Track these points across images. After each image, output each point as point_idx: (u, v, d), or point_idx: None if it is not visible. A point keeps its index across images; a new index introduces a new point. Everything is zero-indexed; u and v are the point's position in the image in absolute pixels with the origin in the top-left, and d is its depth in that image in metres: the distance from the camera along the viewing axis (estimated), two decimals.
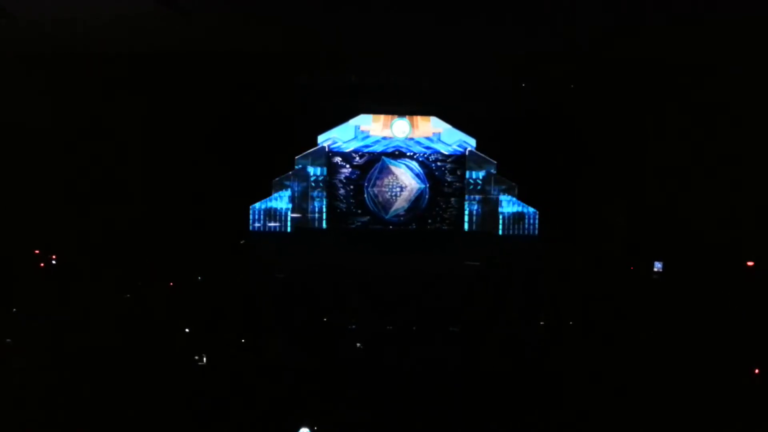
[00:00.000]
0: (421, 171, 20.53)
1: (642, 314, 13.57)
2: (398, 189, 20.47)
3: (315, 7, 13.67)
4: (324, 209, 20.33)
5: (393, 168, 20.50)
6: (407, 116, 20.64)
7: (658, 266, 13.78)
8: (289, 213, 19.70)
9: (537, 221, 20.20)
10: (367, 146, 20.61)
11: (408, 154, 20.56)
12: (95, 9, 13.58)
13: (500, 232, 20.15)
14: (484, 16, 14.37)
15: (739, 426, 8.54)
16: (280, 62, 18.78)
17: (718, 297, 13.96)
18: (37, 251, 17.40)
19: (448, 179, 20.62)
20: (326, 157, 20.42)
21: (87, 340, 11.23)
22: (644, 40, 16.10)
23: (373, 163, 20.53)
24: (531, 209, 20.11)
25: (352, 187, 20.55)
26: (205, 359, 10.46)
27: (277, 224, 19.73)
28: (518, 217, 20.12)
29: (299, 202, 20.30)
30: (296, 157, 20.74)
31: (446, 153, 20.66)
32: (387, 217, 20.54)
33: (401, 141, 20.67)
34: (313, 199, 20.61)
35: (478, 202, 20.81)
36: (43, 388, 9.25)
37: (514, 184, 20.62)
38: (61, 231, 17.74)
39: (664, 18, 14.38)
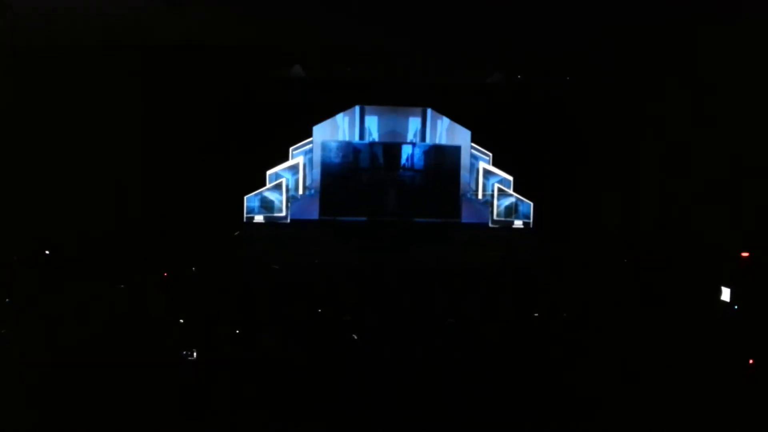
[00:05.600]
0: (417, 163, 20.45)
1: (639, 308, 13.61)
2: (393, 181, 20.39)
3: (313, 3, 13.65)
4: (319, 200, 20.24)
5: (388, 159, 20.42)
6: (403, 108, 20.58)
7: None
8: (283, 204, 19.63)
9: (532, 213, 20.17)
10: (362, 138, 20.55)
11: (403, 145, 20.47)
12: (94, 3, 13.52)
13: (495, 225, 20.11)
14: (481, 13, 14.38)
15: (737, 418, 8.60)
16: (277, 55, 18.74)
17: (713, 288, 14.01)
18: (32, 245, 17.31)
19: (444, 171, 20.52)
20: (321, 148, 20.33)
21: (81, 331, 11.19)
22: (640, 38, 16.15)
23: (368, 154, 20.44)
24: (526, 201, 20.09)
25: (347, 178, 20.45)
26: (195, 354, 10.41)
27: (272, 215, 19.65)
28: (513, 209, 20.09)
29: (294, 194, 20.24)
30: (291, 149, 20.67)
31: (442, 145, 20.60)
32: (382, 208, 20.44)
33: (397, 133, 20.61)
34: (307, 190, 20.55)
35: (474, 194, 20.79)
36: (36, 380, 9.22)
37: (509, 176, 20.60)
38: (56, 223, 17.66)
39: (662, 17, 14.43)
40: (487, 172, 20.75)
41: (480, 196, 20.65)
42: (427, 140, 20.64)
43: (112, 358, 10.04)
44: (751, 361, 10.05)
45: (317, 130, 20.48)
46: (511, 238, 19.57)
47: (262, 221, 19.54)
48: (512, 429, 8.76)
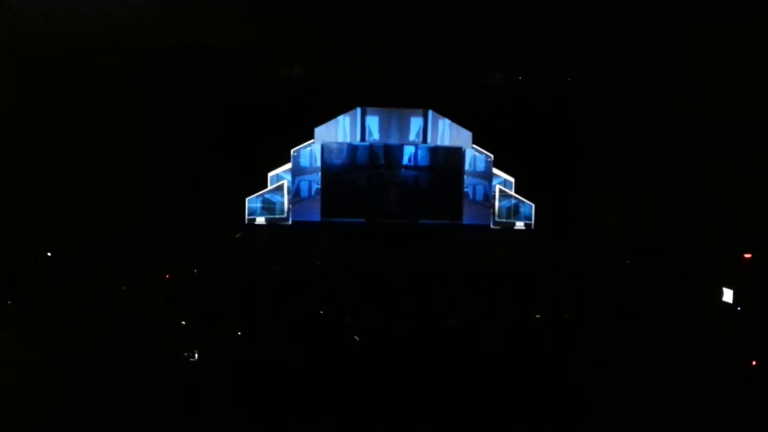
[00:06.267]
0: (418, 163, 20.40)
1: (639, 308, 13.60)
2: (395, 182, 20.34)
3: (313, 3, 13.66)
4: (320, 202, 20.19)
5: (390, 160, 20.37)
6: (404, 109, 20.53)
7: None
8: (284, 206, 19.61)
9: (533, 214, 20.16)
10: (363, 139, 20.51)
11: (405, 146, 20.42)
12: (94, 3, 13.54)
13: (496, 226, 20.10)
14: (481, 13, 14.38)
15: (739, 419, 8.59)
16: (277, 55, 18.73)
17: (713, 289, 14.01)
18: (33, 245, 17.31)
19: (446, 172, 20.47)
20: (322, 149, 20.28)
21: (83, 332, 11.19)
22: (640, 38, 16.14)
23: (369, 156, 20.40)
24: (527, 203, 20.09)
25: (348, 179, 20.40)
26: (196, 355, 10.41)
27: (273, 217, 19.63)
28: (515, 210, 20.07)
29: (295, 195, 20.21)
30: (292, 150, 20.64)
31: (443, 146, 20.55)
32: (383, 210, 20.39)
33: (398, 134, 20.58)
34: (308, 191, 20.52)
35: (475, 195, 20.75)
36: (37, 380, 9.22)
37: (510, 177, 20.57)
38: (56, 223, 17.66)
39: (662, 17, 14.44)
40: (488, 173, 20.70)
41: (481, 197, 20.59)
42: (429, 141, 20.60)
43: (113, 358, 10.03)
44: (753, 363, 10.03)
45: (318, 131, 20.44)
46: (512, 240, 19.56)
47: (264, 223, 19.52)
48: (512, 429, 8.77)
